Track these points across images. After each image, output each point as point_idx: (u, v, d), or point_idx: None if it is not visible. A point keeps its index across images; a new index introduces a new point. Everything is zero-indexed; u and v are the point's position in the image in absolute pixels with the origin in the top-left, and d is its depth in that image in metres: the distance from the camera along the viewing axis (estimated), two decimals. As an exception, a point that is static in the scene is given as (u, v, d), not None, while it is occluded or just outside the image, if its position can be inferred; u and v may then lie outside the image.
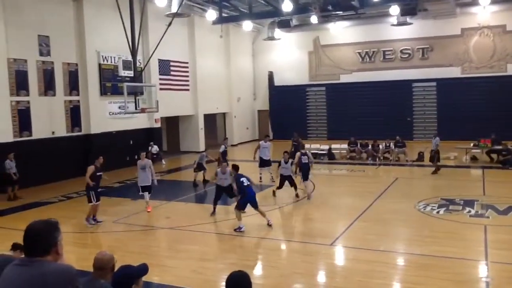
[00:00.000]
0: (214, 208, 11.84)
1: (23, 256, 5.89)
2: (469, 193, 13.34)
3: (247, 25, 26.09)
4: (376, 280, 7.37)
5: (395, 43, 28.13)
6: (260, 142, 16.43)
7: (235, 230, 10.27)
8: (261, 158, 16.03)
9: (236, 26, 28.39)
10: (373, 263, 8.06)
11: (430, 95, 27.60)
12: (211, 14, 22.93)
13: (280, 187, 13.58)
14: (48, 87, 17.49)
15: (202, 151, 17.61)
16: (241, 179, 10.60)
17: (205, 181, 15.41)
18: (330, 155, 21.66)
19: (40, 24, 17.08)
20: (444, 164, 19.30)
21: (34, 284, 2.55)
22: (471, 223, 10.44)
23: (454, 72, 26.84)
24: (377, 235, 9.75)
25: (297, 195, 13.48)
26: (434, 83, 27.30)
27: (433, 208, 11.75)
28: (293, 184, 13.44)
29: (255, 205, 10.53)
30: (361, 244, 9.16)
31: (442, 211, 11.46)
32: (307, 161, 13.62)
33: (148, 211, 12.41)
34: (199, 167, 15.78)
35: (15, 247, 6.08)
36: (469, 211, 11.33)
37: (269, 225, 10.45)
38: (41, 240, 2.67)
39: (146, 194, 12.57)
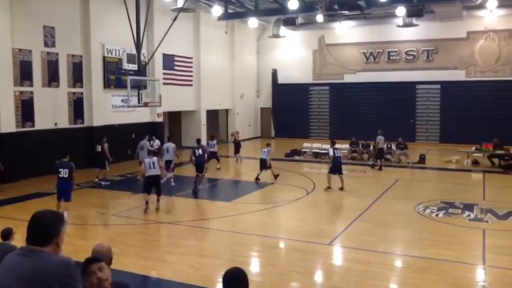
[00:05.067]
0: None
1: (8, 242, 5.96)
2: (469, 197, 13.34)
3: (253, 22, 26.02)
4: (373, 281, 7.38)
5: (400, 44, 28.09)
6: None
7: None
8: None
9: (241, 23, 28.37)
10: (370, 264, 8.08)
11: (434, 97, 27.56)
12: (217, 10, 22.92)
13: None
14: (52, 78, 17.53)
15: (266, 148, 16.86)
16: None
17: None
18: (331, 154, 21.61)
19: (46, 15, 17.11)
20: (445, 167, 19.35)
21: (33, 275, 2.58)
22: (470, 227, 10.44)
23: (459, 75, 26.80)
24: (376, 236, 9.76)
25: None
26: (438, 86, 27.26)
27: (433, 211, 11.75)
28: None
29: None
30: (359, 244, 9.17)
31: (441, 214, 11.46)
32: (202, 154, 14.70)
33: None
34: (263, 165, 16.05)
35: (5, 236, 6.13)
36: (469, 215, 11.33)
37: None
38: (46, 229, 2.71)
39: None
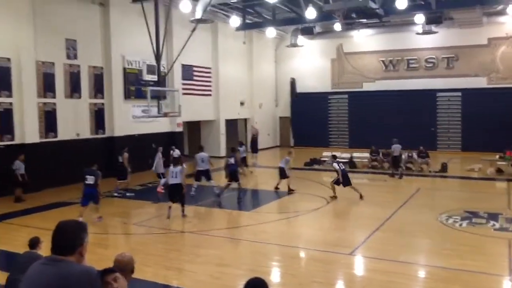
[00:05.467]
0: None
1: (35, 251, 6.03)
2: (494, 206, 13.05)
3: (270, 31, 26.17)
4: (395, 291, 7.27)
5: (419, 51, 27.83)
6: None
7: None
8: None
9: (259, 33, 28.51)
10: (392, 274, 7.95)
11: (455, 105, 27.17)
12: (235, 20, 23.09)
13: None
14: (74, 89, 17.87)
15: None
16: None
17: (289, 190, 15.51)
18: (351, 163, 21.48)
19: (68, 28, 17.50)
20: (468, 176, 19.00)
21: (57, 284, 2.63)
22: (495, 236, 10.21)
23: (480, 82, 26.39)
24: (398, 246, 9.62)
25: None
26: (459, 93, 26.87)
27: (456, 220, 11.53)
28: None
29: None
30: (381, 254, 9.05)
31: (465, 223, 11.23)
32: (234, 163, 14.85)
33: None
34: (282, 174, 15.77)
35: (32, 244, 6.20)
36: (493, 225, 11.09)
37: None
38: (70, 239, 2.76)
39: None
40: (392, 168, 18.99)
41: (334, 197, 14.38)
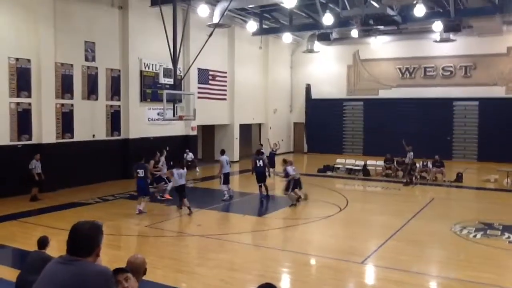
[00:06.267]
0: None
1: (44, 251, 6.07)
2: (509, 218, 12.82)
3: (287, 37, 26.22)
4: (406, 302, 7.19)
5: (437, 59, 27.60)
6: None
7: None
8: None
9: (275, 38, 28.58)
10: (404, 284, 7.87)
11: (472, 114, 26.86)
12: (252, 25, 23.19)
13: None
14: (91, 91, 18.10)
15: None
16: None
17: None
18: (365, 171, 21.36)
19: (87, 30, 17.75)
20: (483, 186, 18.74)
21: (74, 283, 2.68)
22: (510, 249, 10.04)
23: (498, 91, 26.05)
24: (410, 256, 9.52)
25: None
26: (476, 102, 26.57)
27: (470, 231, 11.37)
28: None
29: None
30: (393, 264, 8.96)
31: (479, 235, 11.07)
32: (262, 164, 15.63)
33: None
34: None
35: (41, 244, 6.24)
36: (508, 237, 10.89)
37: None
38: (87, 242, 2.81)
39: None
40: (406, 176, 18.85)
41: (298, 200, 14.57)
